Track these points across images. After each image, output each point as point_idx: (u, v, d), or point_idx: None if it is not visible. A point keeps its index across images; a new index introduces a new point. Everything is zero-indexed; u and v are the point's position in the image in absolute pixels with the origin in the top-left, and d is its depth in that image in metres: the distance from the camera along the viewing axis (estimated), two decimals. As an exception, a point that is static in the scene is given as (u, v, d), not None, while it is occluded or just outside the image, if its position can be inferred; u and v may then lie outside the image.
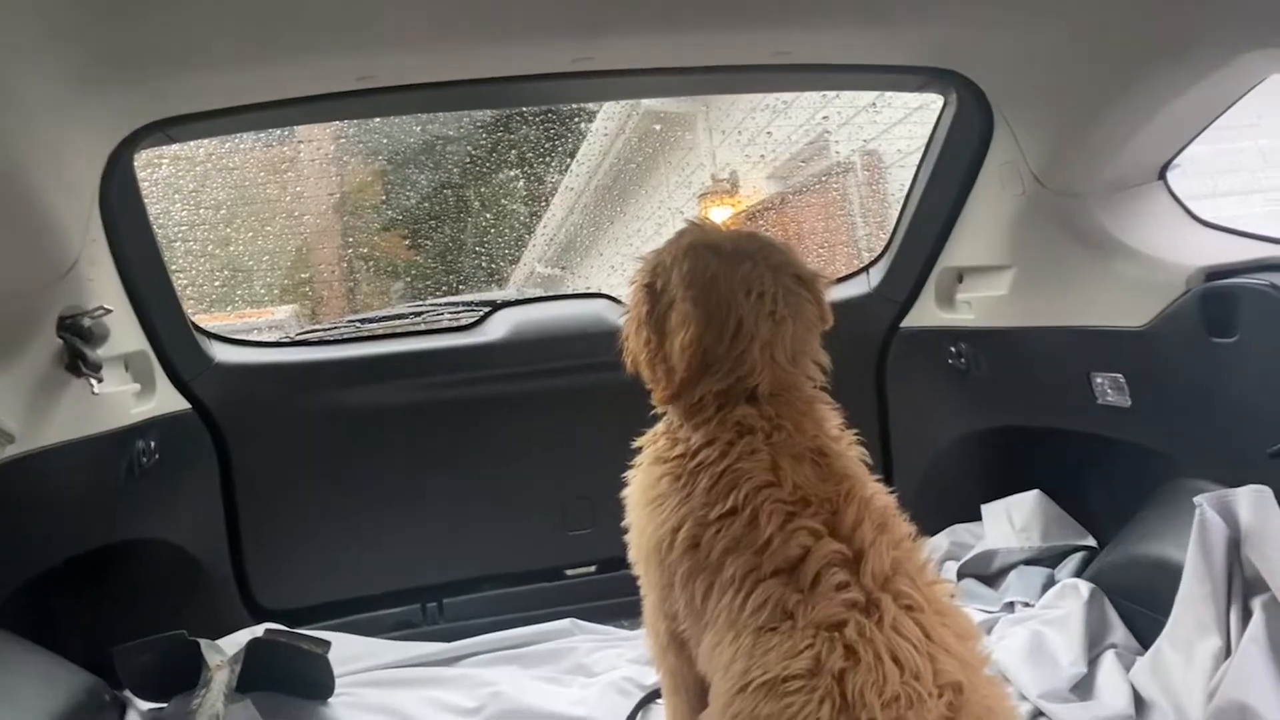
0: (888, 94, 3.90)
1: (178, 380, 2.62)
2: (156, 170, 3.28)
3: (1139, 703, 2.00)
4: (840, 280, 3.05)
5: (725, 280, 1.81)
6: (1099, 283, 2.38)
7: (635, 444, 1.93)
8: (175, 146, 2.55)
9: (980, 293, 2.80)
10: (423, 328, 3.08)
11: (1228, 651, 1.81)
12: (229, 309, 3.86)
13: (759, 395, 1.79)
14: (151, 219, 2.46)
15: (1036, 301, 2.59)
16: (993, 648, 2.04)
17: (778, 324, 1.79)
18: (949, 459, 2.98)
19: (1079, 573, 2.50)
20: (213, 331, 2.85)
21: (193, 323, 2.71)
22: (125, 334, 2.35)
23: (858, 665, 1.56)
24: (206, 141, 3.42)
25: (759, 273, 1.81)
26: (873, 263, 3.11)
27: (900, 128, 5.04)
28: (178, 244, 3.48)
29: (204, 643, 2.19)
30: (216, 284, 3.75)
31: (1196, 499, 1.90)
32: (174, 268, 2.63)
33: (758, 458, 1.73)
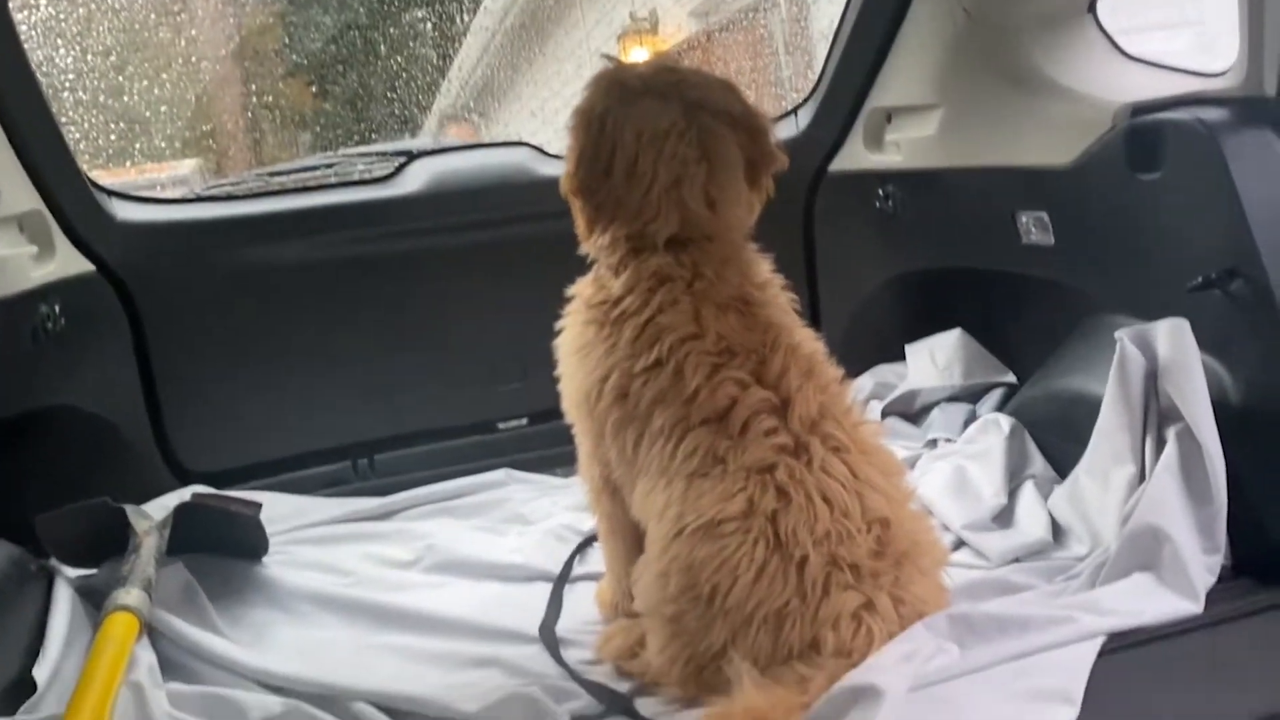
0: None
1: (78, 241, 2.49)
2: (34, 12, 3.02)
3: (1056, 529, 2.09)
4: (769, 122, 2.99)
5: (616, 118, 1.73)
6: (1026, 121, 2.37)
7: (568, 292, 1.90)
8: (52, -16, 2.34)
9: (909, 133, 2.77)
10: (336, 180, 2.95)
11: (1141, 478, 1.89)
12: (128, 164, 3.66)
13: (677, 241, 1.75)
14: (33, 66, 2.28)
15: (964, 141, 2.58)
16: (917, 483, 2.10)
17: (684, 165, 1.72)
18: (876, 302, 3.00)
19: (1000, 408, 2.57)
20: (112, 189, 2.71)
21: (89, 179, 2.56)
22: (15, 192, 2.21)
23: (789, 506, 1.60)
24: (86, -22, 3.16)
25: (663, 110, 1.72)
26: (801, 104, 3.05)
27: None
28: (65, 94, 3.24)
29: (129, 508, 2.14)
30: (112, 137, 3.53)
31: (1117, 333, 1.94)
32: (63, 120, 2.46)
33: (679, 309, 1.72)
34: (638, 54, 5.86)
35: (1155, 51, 2.35)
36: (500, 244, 2.82)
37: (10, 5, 2.14)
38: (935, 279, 2.86)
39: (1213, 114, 1.92)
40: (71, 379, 2.48)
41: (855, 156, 2.95)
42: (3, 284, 2.11)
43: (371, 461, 2.83)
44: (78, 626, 1.92)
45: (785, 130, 2.98)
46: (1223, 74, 2.01)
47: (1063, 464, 2.22)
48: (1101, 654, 1.59)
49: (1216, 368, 1.91)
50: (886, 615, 1.58)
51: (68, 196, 2.42)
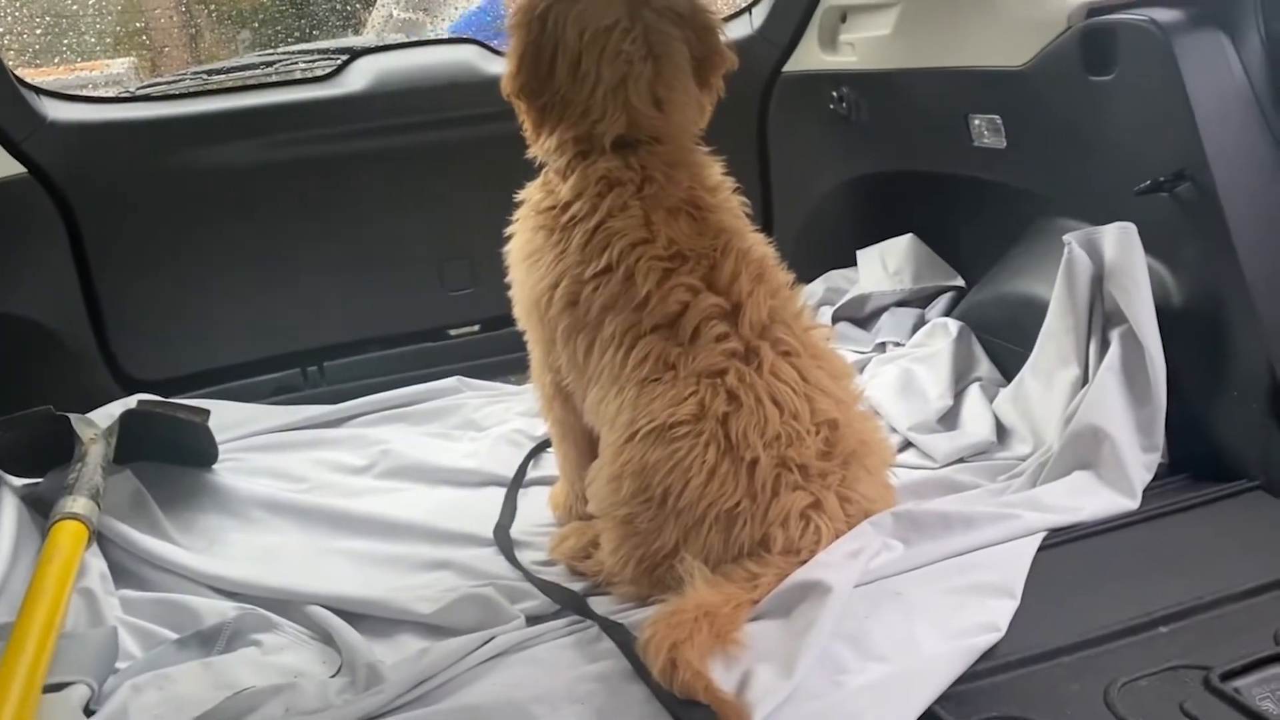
0: None
1: (7, 142, 2.40)
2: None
3: (1001, 430, 2.14)
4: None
5: (558, 15, 1.69)
6: (982, 21, 2.34)
7: (517, 198, 1.87)
8: None
9: (864, 33, 2.74)
10: (276, 79, 2.86)
11: (1085, 380, 1.93)
12: (57, 61, 3.50)
13: (625, 144, 1.73)
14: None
15: (920, 42, 2.55)
16: (865, 385, 2.12)
17: (629, 64, 1.69)
18: (829, 206, 2.99)
19: (948, 312, 2.60)
20: (42, 87, 2.60)
21: (17, 77, 2.46)
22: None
23: (740, 409, 1.62)
24: None
25: (607, 6, 1.68)
26: (754, 2, 2.99)
27: None
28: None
29: (74, 417, 2.11)
30: (38, 32, 3.37)
31: (1065, 237, 1.96)
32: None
33: (629, 214, 1.70)
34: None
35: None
36: (448, 145, 2.75)
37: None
38: (888, 182, 2.86)
39: (1166, 15, 1.91)
40: (8, 286, 2.42)
41: (810, 57, 2.91)
42: (-72, 187, 2.04)
43: (321, 369, 2.80)
44: (25, 535, 1.90)
45: (738, 30, 2.93)
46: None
47: (1009, 366, 2.26)
48: (1042, 549, 1.65)
49: (1161, 270, 1.94)
50: (834, 514, 1.62)
51: None
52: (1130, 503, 1.77)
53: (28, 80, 2.55)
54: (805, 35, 2.91)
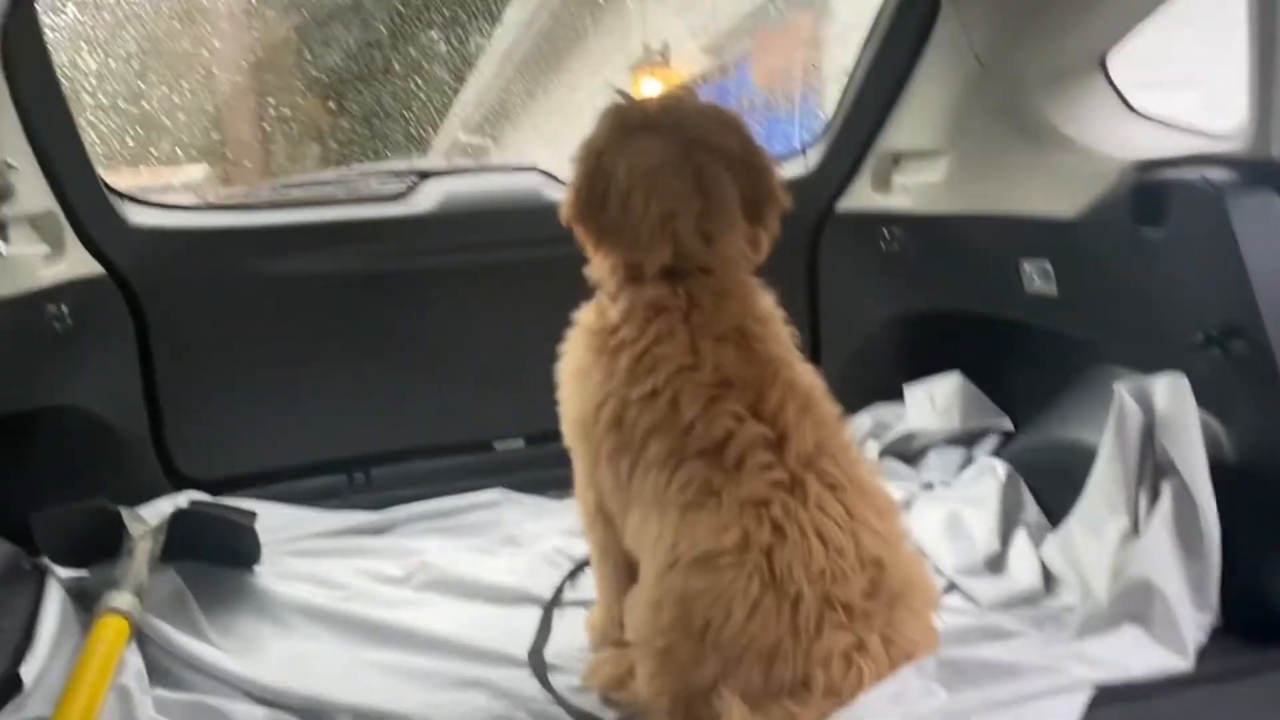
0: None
1: (89, 243, 2.50)
2: (61, 15, 3.05)
3: (1048, 577, 2.10)
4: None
5: (612, 152, 1.77)
6: (1033, 171, 2.39)
7: (573, 318, 1.92)
8: (81, -11, 2.37)
9: (916, 177, 2.80)
10: (348, 196, 2.97)
11: (1134, 531, 1.90)
12: (140, 167, 3.68)
13: (674, 272, 1.77)
14: (57, 68, 2.30)
15: (971, 188, 2.60)
16: (911, 525, 2.10)
17: (677, 200, 1.74)
18: (877, 341, 3.02)
19: (996, 453, 2.58)
20: (126, 192, 2.73)
21: (104, 182, 2.58)
22: (32, 192, 2.23)
23: (785, 541, 1.60)
24: (115, -15, 3.19)
25: (658, 145, 1.75)
26: (811, 143, 3.08)
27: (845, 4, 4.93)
28: (84, 96, 3.27)
29: (125, 511, 2.15)
30: (129, 142, 3.56)
31: (1115, 385, 1.96)
32: (80, 122, 2.48)
33: (676, 339, 1.73)
34: (650, 85, 5.91)
35: (1162, 109, 2.38)
36: (507, 266, 2.83)
37: (38, 9, 2.17)
38: (937, 321, 2.88)
39: (1219, 174, 1.94)
40: (75, 379, 2.49)
41: (863, 197, 2.98)
42: (14, 282, 2.13)
43: (368, 475, 2.84)
44: (67, 627, 1.92)
45: (794, 168, 3.01)
46: (1230, 135, 2.03)
47: (1056, 512, 2.22)
48: (1089, 705, 1.60)
49: (1214, 425, 1.92)
50: (877, 656, 1.58)
51: (81, 198, 2.44)
52: (1182, 662, 1.71)
53: (110, 182, 2.68)
54: (859, 176, 2.98)
